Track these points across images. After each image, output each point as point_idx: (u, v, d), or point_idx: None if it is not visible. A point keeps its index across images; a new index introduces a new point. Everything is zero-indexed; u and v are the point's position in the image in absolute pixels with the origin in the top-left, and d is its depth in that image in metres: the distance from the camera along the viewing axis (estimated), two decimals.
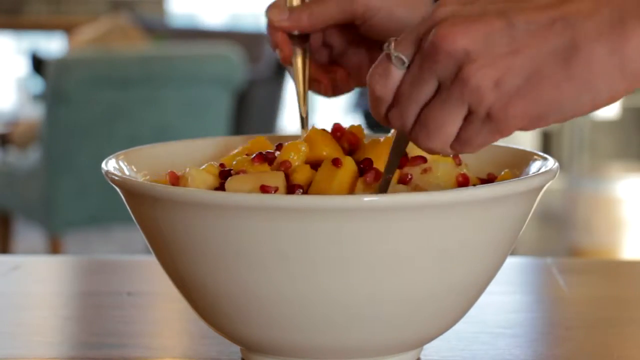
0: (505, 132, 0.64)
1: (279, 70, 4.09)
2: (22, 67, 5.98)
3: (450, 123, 0.64)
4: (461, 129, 0.64)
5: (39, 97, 4.30)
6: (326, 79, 0.88)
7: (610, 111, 5.03)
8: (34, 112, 4.40)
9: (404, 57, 0.64)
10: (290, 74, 0.87)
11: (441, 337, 0.75)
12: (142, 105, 3.19)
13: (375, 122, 4.93)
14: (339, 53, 0.89)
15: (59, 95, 3.09)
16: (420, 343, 0.74)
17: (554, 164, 0.74)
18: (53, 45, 5.91)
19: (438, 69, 0.63)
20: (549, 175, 0.71)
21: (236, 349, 0.77)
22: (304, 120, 0.84)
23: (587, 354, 0.81)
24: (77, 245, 4.04)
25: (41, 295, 0.98)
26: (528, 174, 0.75)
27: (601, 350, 0.81)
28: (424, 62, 0.63)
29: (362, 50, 0.89)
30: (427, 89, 0.64)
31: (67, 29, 5.29)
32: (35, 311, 0.92)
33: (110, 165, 0.76)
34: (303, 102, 0.85)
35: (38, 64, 4.17)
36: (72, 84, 3.08)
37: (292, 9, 0.85)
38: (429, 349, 0.78)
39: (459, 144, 0.65)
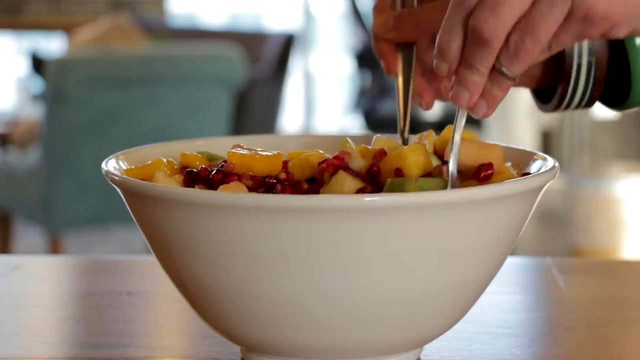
0: (593, 33, 0.67)
1: (279, 70, 4.09)
2: (22, 67, 5.98)
3: (555, 24, 0.66)
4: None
5: (39, 97, 4.30)
6: (429, 93, 0.88)
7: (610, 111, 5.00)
8: (34, 112, 4.40)
9: None
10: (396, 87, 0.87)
11: (441, 337, 0.75)
12: (142, 105, 3.19)
13: (375, 123, 4.93)
14: None
15: (59, 95, 3.09)
16: (420, 343, 0.74)
17: (554, 164, 0.74)
18: (53, 45, 5.91)
19: None
20: (549, 175, 0.71)
21: (236, 349, 0.77)
22: (403, 138, 0.83)
23: (587, 354, 0.81)
24: (77, 245, 4.04)
25: (41, 295, 0.98)
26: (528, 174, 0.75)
27: (601, 350, 0.81)
28: None
29: None
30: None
31: (67, 29, 5.29)
32: (35, 311, 0.92)
33: (110, 165, 0.76)
34: (403, 119, 0.84)
35: (38, 64, 4.17)
36: (72, 84, 3.08)
37: (397, 18, 0.84)
38: (429, 349, 0.78)
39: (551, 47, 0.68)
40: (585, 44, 0.85)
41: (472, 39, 0.67)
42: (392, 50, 0.86)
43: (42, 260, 1.21)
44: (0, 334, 0.86)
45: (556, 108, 0.90)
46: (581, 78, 0.86)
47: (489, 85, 0.69)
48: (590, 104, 0.89)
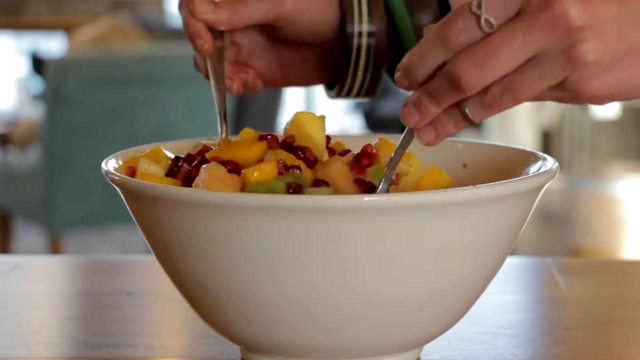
0: (574, 103, 0.67)
1: None
2: (22, 67, 5.98)
3: (541, 91, 0.64)
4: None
5: (39, 97, 4.30)
6: (238, 79, 0.87)
7: (610, 111, 5.02)
8: (34, 112, 4.40)
9: (493, 21, 0.63)
10: (201, 69, 0.86)
11: (441, 337, 0.75)
12: (142, 105, 3.19)
13: (375, 123, 4.93)
14: (248, 53, 0.88)
15: (59, 95, 3.09)
16: (420, 343, 0.74)
17: (554, 164, 0.74)
18: (53, 45, 5.91)
19: (547, 42, 0.62)
20: (549, 175, 0.71)
21: (236, 349, 0.77)
22: (224, 118, 0.83)
23: (587, 354, 0.81)
24: (77, 245, 4.04)
25: (41, 295, 0.98)
26: (528, 174, 0.75)
27: (601, 350, 0.81)
28: (532, 32, 0.62)
29: (269, 53, 0.88)
30: (523, 57, 0.63)
31: (67, 29, 5.29)
32: (35, 311, 0.92)
33: (110, 165, 0.76)
34: (222, 99, 0.83)
35: (38, 64, 4.17)
36: (72, 84, 3.08)
37: (218, 3, 0.82)
38: (429, 349, 0.78)
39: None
40: (365, 27, 0.84)
41: (446, 79, 0.64)
42: (209, 32, 0.83)
43: (42, 260, 1.21)
44: (0, 334, 0.86)
45: (339, 93, 0.88)
46: (360, 63, 0.86)
47: (445, 118, 0.66)
48: (371, 91, 0.88)
